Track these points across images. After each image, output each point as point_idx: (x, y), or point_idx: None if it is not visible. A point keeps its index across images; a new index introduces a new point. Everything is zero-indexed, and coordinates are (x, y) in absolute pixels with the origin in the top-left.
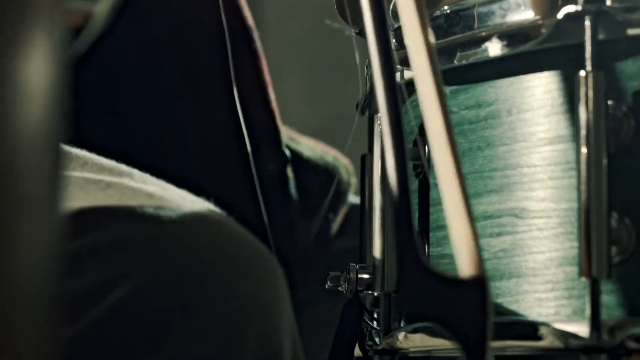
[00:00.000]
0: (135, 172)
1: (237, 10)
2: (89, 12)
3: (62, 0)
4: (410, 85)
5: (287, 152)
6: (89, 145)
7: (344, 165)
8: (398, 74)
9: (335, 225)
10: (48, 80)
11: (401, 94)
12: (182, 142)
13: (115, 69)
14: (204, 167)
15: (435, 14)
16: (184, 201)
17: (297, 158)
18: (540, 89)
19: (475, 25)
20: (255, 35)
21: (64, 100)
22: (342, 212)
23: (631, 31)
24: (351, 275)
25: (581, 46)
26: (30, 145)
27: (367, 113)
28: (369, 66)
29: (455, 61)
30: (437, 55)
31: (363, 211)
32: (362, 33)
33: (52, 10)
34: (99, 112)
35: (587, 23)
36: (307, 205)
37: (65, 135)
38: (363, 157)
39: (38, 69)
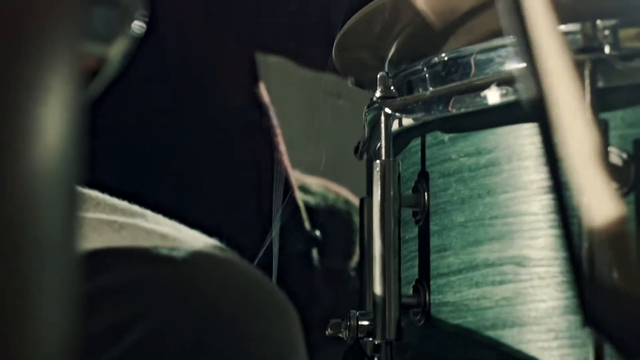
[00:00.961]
0: (148, 212)
1: (254, 86)
2: (104, 56)
3: (79, 45)
4: (409, 132)
5: (317, 233)
6: (102, 186)
7: (356, 207)
8: (396, 122)
9: (351, 271)
10: (64, 123)
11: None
12: (199, 185)
13: (130, 112)
14: (217, 208)
15: (433, 62)
16: (197, 242)
17: (311, 210)
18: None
19: (474, 73)
20: (272, 111)
21: (80, 143)
22: (353, 262)
23: (630, 79)
24: (352, 322)
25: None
26: (46, 188)
27: (365, 157)
28: (368, 113)
29: (454, 109)
30: (436, 103)
31: (363, 256)
32: (358, 84)
33: (69, 55)
34: (113, 153)
35: (587, 71)
36: (329, 267)
37: (82, 178)
38: (362, 200)
39: (54, 113)
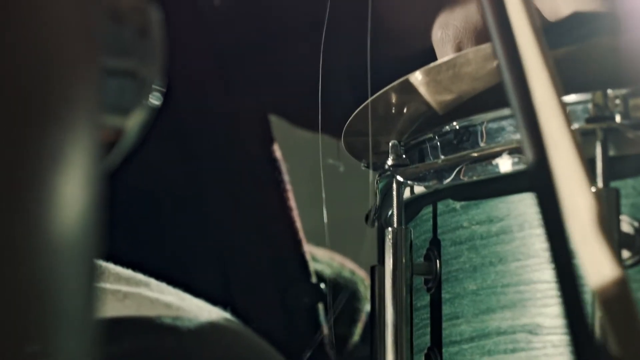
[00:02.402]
0: (152, 281)
1: (268, 141)
2: (121, 128)
3: (98, 118)
4: (420, 200)
5: (322, 286)
6: (105, 253)
7: (362, 278)
8: (407, 189)
9: (353, 344)
10: (84, 195)
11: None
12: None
13: (140, 183)
14: (224, 275)
15: (444, 130)
16: (201, 311)
17: (318, 277)
18: None
19: (486, 141)
20: (283, 167)
21: (99, 214)
22: (359, 327)
23: None
24: None
25: (592, 162)
26: (65, 259)
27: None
28: (380, 180)
29: (466, 177)
30: (447, 171)
31: (373, 325)
32: (369, 167)
33: (89, 128)
34: (115, 220)
35: (598, 140)
36: (334, 329)
37: (100, 250)
38: (373, 268)
39: (75, 185)
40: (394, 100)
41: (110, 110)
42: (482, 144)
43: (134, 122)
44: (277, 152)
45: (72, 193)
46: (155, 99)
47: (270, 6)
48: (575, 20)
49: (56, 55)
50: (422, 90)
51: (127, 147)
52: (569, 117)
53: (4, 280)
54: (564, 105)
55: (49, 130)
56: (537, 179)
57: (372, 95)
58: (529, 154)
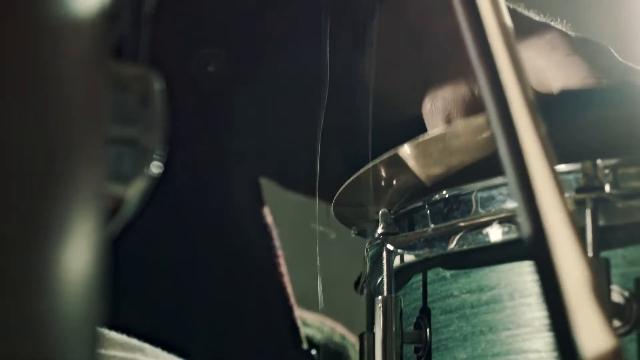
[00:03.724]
0: (147, 346)
1: (259, 205)
2: (122, 196)
3: (101, 187)
4: (410, 268)
5: (313, 352)
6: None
7: (352, 343)
8: (397, 257)
9: None
10: (87, 264)
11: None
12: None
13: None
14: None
15: (434, 199)
16: None
17: (309, 343)
18: None
19: (476, 210)
20: (274, 232)
21: (102, 282)
22: None
23: (631, 218)
24: None
25: (582, 232)
26: (68, 327)
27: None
28: (369, 248)
29: (456, 246)
30: (437, 240)
31: None
32: (360, 234)
33: (92, 198)
34: (114, 288)
35: (588, 210)
36: None
37: (104, 317)
38: (362, 336)
39: (78, 254)
40: (383, 173)
41: (112, 178)
42: (472, 213)
43: (134, 191)
44: (268, 216)
45: (76, 261)
46: (155, 168)
47: (262, 74)
48: (564, 94)
49: (62, 127)
50: (412, 163)
51: (128, 216)
52: (562, 187)
53: (9, 345)
54: (558, 176)
55: (53, 200)
56: (534, 248)
57: (361, 166)
58: (525, 224)
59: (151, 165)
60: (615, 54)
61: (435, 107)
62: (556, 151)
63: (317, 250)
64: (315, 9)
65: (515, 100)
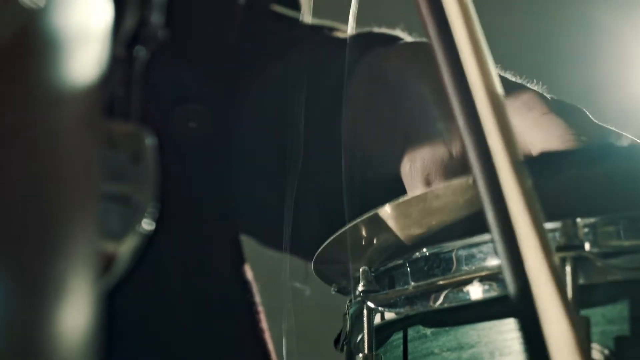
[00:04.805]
0: None
1: (239, 262)
2: (114, 253)
3: (94, 245)
4: (391, 326)
5: None
6: None
7: None
8: (378, 314)
9: None
10: (81, 319)
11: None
12: None
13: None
14: None
15: (415, 257)
16: None
17: None
18: None
19: (456, 268)
20: (254, 288)
21: (95, 336)
22: None
23: (610, 277)
24: None
25: (563, 290)
26: None
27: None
28: (350, 306)
29: (437, 304)
30: (418, 297)
31: None
32: (340, 291)
33: (86, 255)
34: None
35: (568, 268)
36: None
37: None
38: None
39: (73, 310)
40: (364, 232)
41: (104, 235)
42: (452, 271)
43: (126, 248)
44: (249, 272)
45: (71, 317)
46: (147, 225)
47: (241, 130)
48: (543, 154)
49: (57, 188)
50: (392, 223)
51: (120, 273)
52: (549, 246)
53: None
54: (544, 235)
55: (49, 258)
56: (518, 305)
57: (340, 224)
58: (511, 282)
59: (143, 222)
60: (589, 115)
61: (415, 167)
62: (539, 208)
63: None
64: (292, 67)
65: (501, 159)
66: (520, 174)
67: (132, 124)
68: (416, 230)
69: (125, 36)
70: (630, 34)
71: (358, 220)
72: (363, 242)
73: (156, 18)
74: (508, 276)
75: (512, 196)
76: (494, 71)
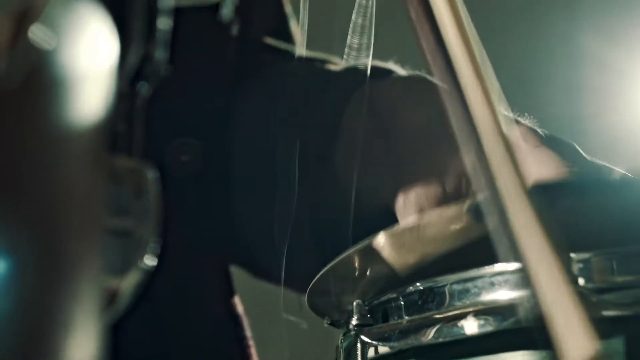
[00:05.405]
0: None
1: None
2: (116, 288)
3: (99, 280)
4: (385, 359)
5: None
6: None
7: None
8: (372, 349)
9: None
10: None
11: None
12: None
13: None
14: None
15: (408, 291)
16: None
17: None
18: None
19: (451, 302)
20: (245, 322)
21: None
22: None
23: (604, 312)
24: None
25: None
26: None
27: None
28: (344, 340)
29: (431, 338)
30: (412, 332)
31: None
32: (334, 324)
33: (91, 290)
34: None
35: None
36: None
37: None
38: None
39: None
40: (357, 263)
41: (107, 270)
42: (447, 305)
43: (128, 284)
44: (239, 306)
45: (76, 352)
46: (149, 260)
47: (234, 163)
48: (538, 187)
49: (64, 224)
50: (386, 253)
51: (122, 308)
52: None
53: None
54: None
55: (54, 296)
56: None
57: (335, 257)
58: (531, 310)
59: (145, 257)
60: (580, 150)
61: (408, 202)
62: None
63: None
64: (285, 100)
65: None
66: (531, 203)
67: (135, 159)
68: (410, 260)
69: (129, 72)
70: (622, 63)
71: (352, 249)
72: (357, 273)
73: (160, 54)
74: (526, 304)
75: (524, 224)
76: (499, 104)
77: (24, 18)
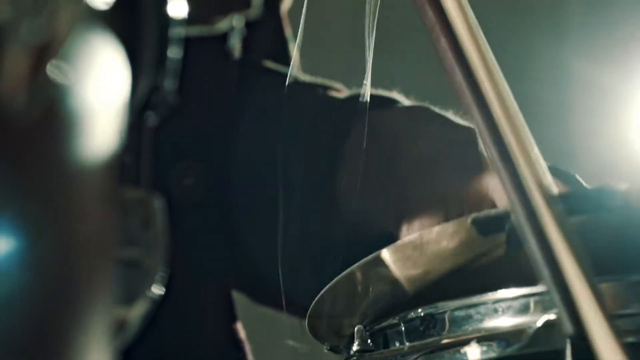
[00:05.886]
0: None
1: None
2: (124, 318)
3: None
4: None
5: None
6: None
7: None
8: None
9: None
10: None
11: None
12: None
13: None
14: None
15: (409, 317)
16: None
17: None
18: None
19: (453, 329)
20: (248, 348)
21: None
22: None
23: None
24: None
25: (562, 352)
26: None
27: None
28: None
29: None
30: (413, 357)
31: None
32: (333, 350)
33: (101, 321)
34: None
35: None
36: None
37: None
38: None
39: None
40: (358, 280)
41: (116, 300)
42: (448, 331)
43: (136, 314)
44: (241, 331)
45: None
46: (157, 289)
47: (237, 188)
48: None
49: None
50: (388, 269)
51: (130, 338)
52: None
53: None
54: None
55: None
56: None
57: (337, 274)
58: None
59: (153, 287)
60: (582, 181)
61: (411, 230)
62: (525, 274)
63: None
64: (285, 125)
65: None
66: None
67: (142, 189)
68: (413, 277)
69: (138, 102)
70: (611, 85)
71: (353, 267)
72: (358, 291)
73: (169, 84)
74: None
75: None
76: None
77: (43, 52)
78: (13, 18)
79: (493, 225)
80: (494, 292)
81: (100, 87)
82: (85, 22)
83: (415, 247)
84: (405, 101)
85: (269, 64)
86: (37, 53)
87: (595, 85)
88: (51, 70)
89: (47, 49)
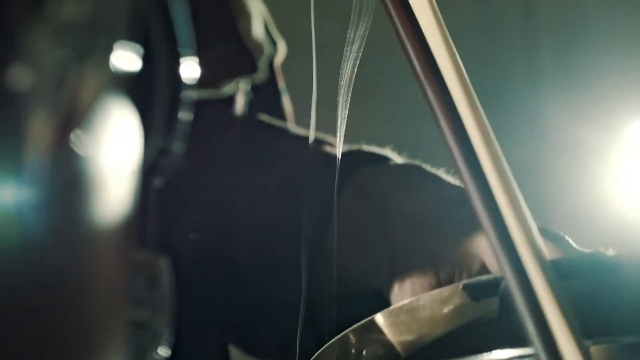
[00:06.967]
0: None
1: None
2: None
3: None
4: None
5: None
6: None
7: None
8: None
9: None
10: None
11: None
12: None
13: None
14: None
15: None
16: None
17: None
18: None
19: None
20: None
21: None
22: None
23: None
24: None
25: None
26: None
27: None
28: None
29: None
30: None
31: None
32: None
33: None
34: None
35: None
36: None
37: None
38: None
39: None
40: (352, 344)
41: None
42: None
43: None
44: None
45: None
46: (163, 351)
47: (238, 243)
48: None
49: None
50: (381, 333)
51: None
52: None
53: None
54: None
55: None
56: None
57: (329, 339)
58: None
59: (159, 348)
60: (572, 242)
61: (404, 290)
62: (517, 336)
63: None
64: (281, 180)
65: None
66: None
67: (148, 251)
68: (406, 341)
69: (147, 165)
70: (587, 140)
71: (346, 331)
72: (352, 354)
73: (177, 147)
74: None
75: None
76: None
77: (66, 122)
78: (38, 86)
79: (484, 290)
80: (488, 353)
81: (116, 152)
82: (109, 89)
83: (409, 312)
84: (397, 159)
85: (264, 117)
86: (60, 122)
87: (571, 141)
88: (74, 139)
89: (71, 119)
